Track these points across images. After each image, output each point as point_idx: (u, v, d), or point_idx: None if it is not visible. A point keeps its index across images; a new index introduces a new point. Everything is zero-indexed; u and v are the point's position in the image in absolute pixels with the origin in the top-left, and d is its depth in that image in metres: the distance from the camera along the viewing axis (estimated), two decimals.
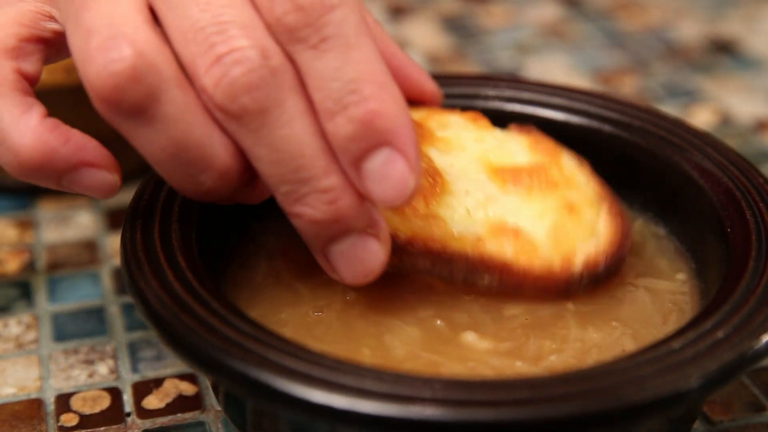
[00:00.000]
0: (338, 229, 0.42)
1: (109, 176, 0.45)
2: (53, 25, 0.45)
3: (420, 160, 0.42)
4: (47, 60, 0.46)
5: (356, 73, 0.40)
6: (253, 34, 0.40)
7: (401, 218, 0.48)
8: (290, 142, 0.40)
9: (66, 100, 0.61)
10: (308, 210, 0.41)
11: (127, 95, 0.40)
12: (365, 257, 0.43)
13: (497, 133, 0.53)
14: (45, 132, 0.43)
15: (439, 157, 0.51)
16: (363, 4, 0.43)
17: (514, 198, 0.49)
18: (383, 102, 0.40)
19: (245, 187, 0.44)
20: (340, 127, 0.40)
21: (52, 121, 0.44)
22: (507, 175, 0.50)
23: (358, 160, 0.41)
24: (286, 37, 0.40)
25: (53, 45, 0.46)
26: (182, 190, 0.43)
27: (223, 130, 0.41)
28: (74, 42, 0.41)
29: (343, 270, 0.43)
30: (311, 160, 0.41)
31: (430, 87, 0.53)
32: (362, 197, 0.42)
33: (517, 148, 0.52)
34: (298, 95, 0.41)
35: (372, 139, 0.40)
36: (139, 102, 0.40)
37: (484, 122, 0.54)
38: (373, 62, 0.41)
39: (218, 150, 0.41)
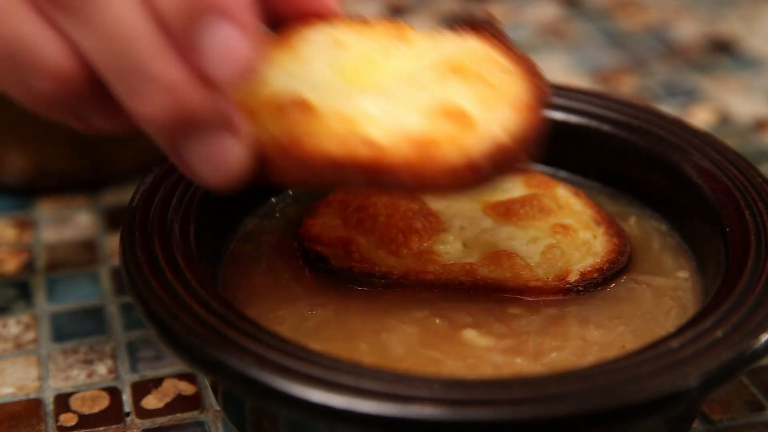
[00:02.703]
0: (186, 126, 0.38)
1: None
2: None
3: (255, 27, 0.37)
4: None
5: None
6: None
7: (396, 257, 0.48)
8: (116, 24, 0.36)
9: None
10: (148, 106, 0.37)
11: None
12: (223, 156, 0.39)
13: None
14: None
15: (435, 200, 0.51)
16: None
17: (508, 228, 0.50)
18: None
19: (99, 101, 0.39)
20: None
21: None
22: (501, 208, 0.51)
23: (188, 33, 0.37)
24: None
25: None
26: (20, 99, 0.39)
27: (54, 27, 0.37)
28: None
29: (200, 172, 0.40)
30: (143, 44, 0.36)
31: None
32: (209, 87, 0.38)
33: (511, 185, 0.53)
34: None
35: (196, 7, 0.36)
36: None
37: None
38: None
39: (47, 48, 0.37)
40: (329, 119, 0.42)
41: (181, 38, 0.37)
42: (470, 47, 0.47)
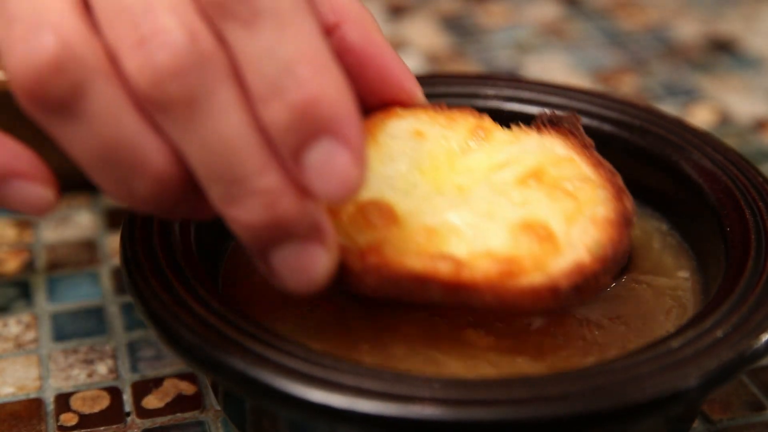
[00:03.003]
0: (278, 235, 0.38)
1: (42, 191, 0.41)
2: None
3: (366, 150, 0.37)
4: None
5: (292, 53, 0.36)
6: (181, 15, 0.37)
7: None
8: (222, 136, 0.37)
9: None
10: (243, 213, 0.38)
11: (50, 89, 0.37)
12: (309, 265, 0.39)
13: None
14: None
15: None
16: None
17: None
18: (323, 86, 0.36)
19: (190, 198, 0.40)
20: (276, 114, 0.37)
21: None
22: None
23: (297, 151, 0.37)
24: (217, 13, 0.37)
25: None
26: (118, 199, 0.39)
27: (157, 130, 0.38)
28: None
29: (284, 278, 0.40)
30: (246, 156, 0.37)
31: (408, 86, 0.48)
32: (305, 198, 0.38)
33: None
34: (232, 83, 0.37)
35: (310, 129, 0.37)
36: (62, 96, 0.37)
37: None
38: (312, 41, 0.37)
39: (152, 152, 0.38)
40: (413, 231, 0.42)
41: (287, 152, 0.37)
42: (551, 149, 0.47)
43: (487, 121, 0.48)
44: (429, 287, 0.42)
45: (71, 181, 0.65)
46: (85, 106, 0.37)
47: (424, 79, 0.59)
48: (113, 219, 0.63)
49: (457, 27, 0.89)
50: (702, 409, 0.50)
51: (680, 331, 0.42)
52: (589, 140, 0.48)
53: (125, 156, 0.38)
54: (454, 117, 0.48)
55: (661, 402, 0.39)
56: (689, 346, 0.41)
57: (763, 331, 0.41)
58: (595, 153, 0.47)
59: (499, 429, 0.38)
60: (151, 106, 0.37)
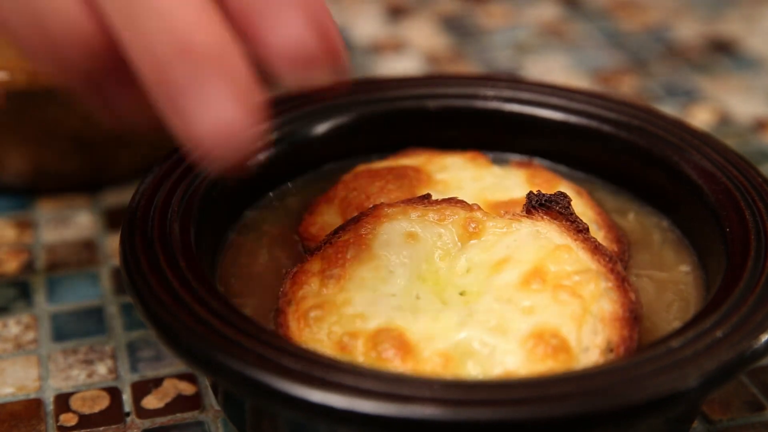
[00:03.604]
0: (186, 68, 0.36)
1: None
2: None
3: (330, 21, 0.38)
4: None
5: None
6: None
7: None
8: None
9: (62, 101, 0.61)
10: (147, 35, 0.36)
11: None
12: (223, 106, 0.36)
13: (495, 170, 0.53)
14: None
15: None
16: None
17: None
18: None
19: (119, 73, 0.39)
20: None
21: None
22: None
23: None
24: None
25: None
26: (47, 66, 0.39)
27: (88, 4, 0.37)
28: None
29: (197, 125, 0.37)
30: None
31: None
32: (220, 31, 0.37)
33: (514, 182, 0.52)
34: None
35: None
36: None
37: (483, 160, 0.54)
38: None
39: (78, 16, 0.37)
40: (428, 361, 0.42)
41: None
42: (547, 238, 0.46)
43: (478, 212, 0.48)
44: None
45: (71, 181, 0.66)
46: None
47: (424, 80, 0.60)
48: (113, 219, 0.63)
49: (457, 28, 0.89)
50: (702, 410, 0.50)
51: (680, 331, 0.42)
52: (583, 224, 0.47)
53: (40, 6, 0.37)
54: (443, 212, 0.48)
55: (660, 402, 0.39)
56: (689, 346, 0.41)
57: (762, 332, 0.41)
58: (591, 237, 0.47)
59: (498, 429, 0.38)
60: None
